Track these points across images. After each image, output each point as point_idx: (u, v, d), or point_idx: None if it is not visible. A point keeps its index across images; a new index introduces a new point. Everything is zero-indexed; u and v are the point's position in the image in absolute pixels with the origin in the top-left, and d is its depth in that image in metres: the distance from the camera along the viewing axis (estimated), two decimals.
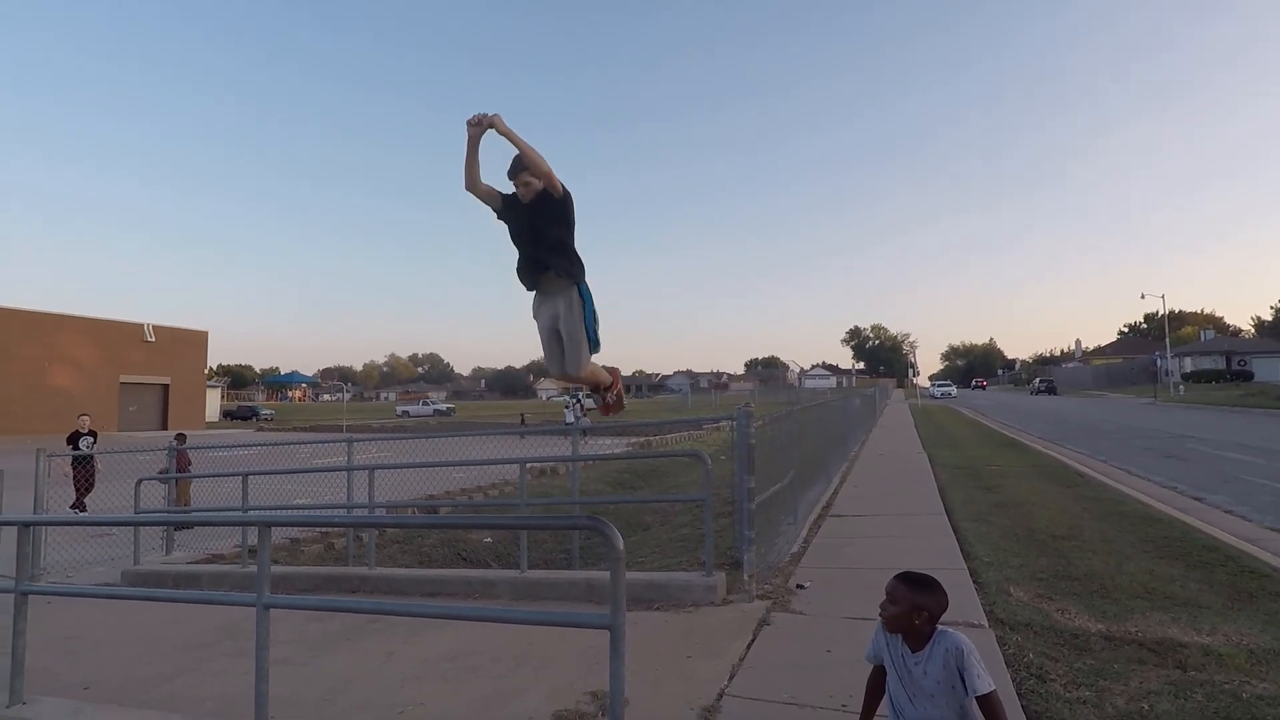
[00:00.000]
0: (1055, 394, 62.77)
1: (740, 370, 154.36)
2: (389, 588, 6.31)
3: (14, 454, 8.16)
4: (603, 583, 5.58)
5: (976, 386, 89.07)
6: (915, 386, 56.33)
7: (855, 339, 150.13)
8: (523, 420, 31.98)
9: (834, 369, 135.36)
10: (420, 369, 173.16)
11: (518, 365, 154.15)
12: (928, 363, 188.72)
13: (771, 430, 6.44)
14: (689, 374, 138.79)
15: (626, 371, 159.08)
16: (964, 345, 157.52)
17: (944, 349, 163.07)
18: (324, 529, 9.36)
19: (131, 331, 40.61)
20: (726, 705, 3.52)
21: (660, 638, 4.50)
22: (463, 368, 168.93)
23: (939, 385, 67.82)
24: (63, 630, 5.16)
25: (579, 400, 29.69)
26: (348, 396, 62.47)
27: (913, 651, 2.26)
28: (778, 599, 5.16)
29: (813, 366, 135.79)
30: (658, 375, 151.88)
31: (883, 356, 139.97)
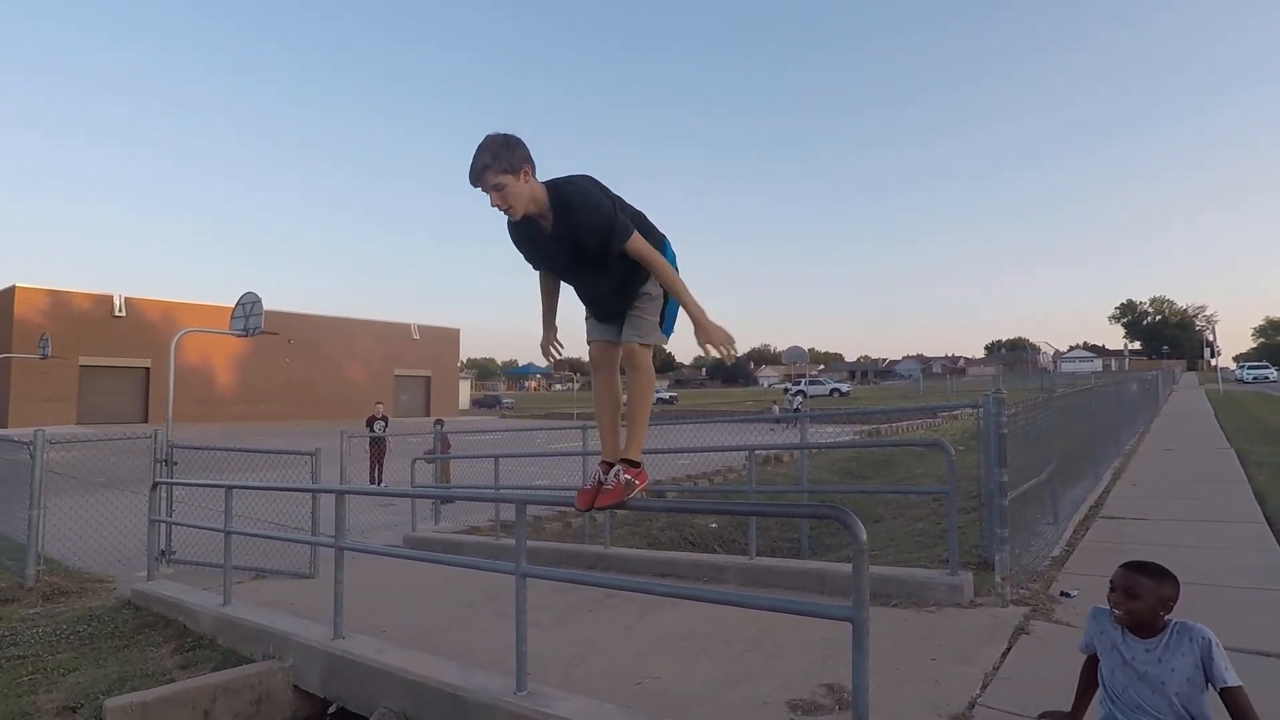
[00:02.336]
0: None
1: (980, 354, 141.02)
2: (622, 567, 6.64)
3: (323, 435, 9.87)
4: (834, 573, 5.39)
5: None
6: (1215, 369, 47.03)
7: (1128, 315, 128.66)
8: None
9: (1099, 350, 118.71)
10: None
11: (738, 353, 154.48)
12: (1233, 341, 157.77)
13: (1024, 419, 5.77)
14: (920, 359, 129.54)
15: (851, 357, 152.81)
16: None
17: (1258, 323, 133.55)
18: (562, 508, 10.13)
19: (401, 331, 47.15)
20: (980, 716, 3.21)
21: (899, 636, 4.24)
22: (684, 356, 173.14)
23: (1250, 368, 55.48)
24: (362, 582, 6.10)
25: (801, 390, 29.12)
26: (577, 387, 67.01)
27: (1141, 639, 2.20)
28: (1037, 606, 4.62)
29: (1070, 348, 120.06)
30: (885, 361, 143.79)
31: (1166, 335, 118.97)
